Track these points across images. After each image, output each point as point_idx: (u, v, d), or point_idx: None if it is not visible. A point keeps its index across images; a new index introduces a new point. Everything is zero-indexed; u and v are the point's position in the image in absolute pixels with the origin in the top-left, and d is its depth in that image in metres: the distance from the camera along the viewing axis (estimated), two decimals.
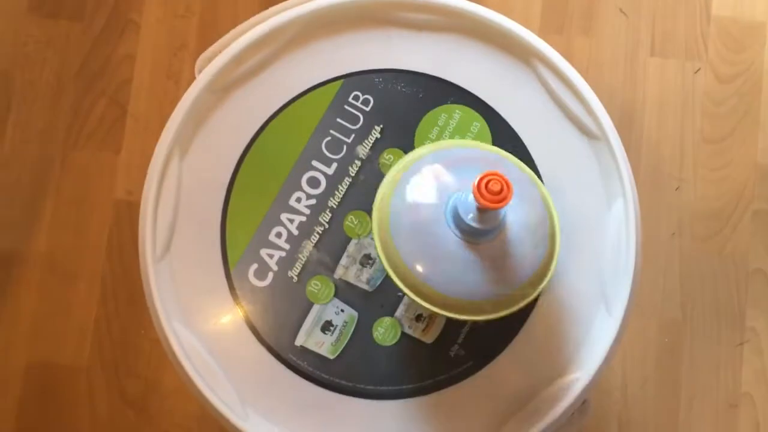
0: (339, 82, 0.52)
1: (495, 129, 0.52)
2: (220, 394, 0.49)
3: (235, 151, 0.52)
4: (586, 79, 0.53)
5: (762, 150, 0.83)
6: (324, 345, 0.50)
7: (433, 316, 0.51)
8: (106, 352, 0.79)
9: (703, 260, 0.81)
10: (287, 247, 0.51)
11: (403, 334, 0.50)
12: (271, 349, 0.50)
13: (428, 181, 0.44)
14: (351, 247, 0.51)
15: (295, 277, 0.51)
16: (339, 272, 0.51)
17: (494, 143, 0.52)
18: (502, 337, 0.51)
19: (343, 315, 0.50)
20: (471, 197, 0.42)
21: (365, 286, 0.51)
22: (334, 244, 0.51)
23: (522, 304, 0.45)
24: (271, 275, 0.51)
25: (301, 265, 0.51)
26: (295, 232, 0.51)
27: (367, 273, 0.51)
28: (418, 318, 0.51)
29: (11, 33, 0.83)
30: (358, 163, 0.52)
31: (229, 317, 0.50)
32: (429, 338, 0.51)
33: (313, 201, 0.51)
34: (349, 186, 0.51)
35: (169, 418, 0.78)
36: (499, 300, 0.44)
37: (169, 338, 0.48)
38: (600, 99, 0.52)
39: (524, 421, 0.49)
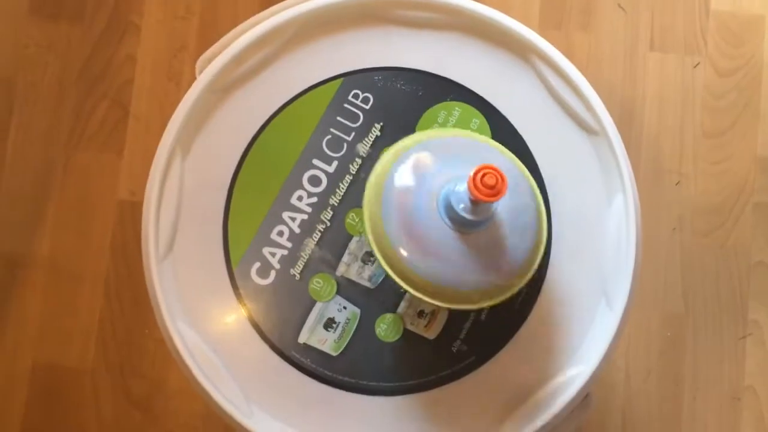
0: (339, 81, 0.53)
1: (494, 126, 0.52)
2: (225, 392, 0.49)
3: (237, 150, 0.52)
4: (585, 74, 0.53)
5: (762, 143, 0.83)
6: (327, 342, 0.50)
7: (435, 312, 0.51)
8: (111, 353, 0.80)
9: (705, 254, 0.81)
10: (289, 245, 0.51)
11: (406, 330, 0.51)
12: (274, 347, 0.50)
13: (420, 170, 0.44)
14: (352, 245, 0.51)
15: (298, 275, 0.51)
16: (341, 269, 0.51)
17: (494, 140, 0.52)
18: (504, 333, 0.51)
19: (345, 312, 0.51)
20: (463, 188, 0.42)
21: (367, 283, 0.51)
22: (336, 241, 0.51)
23: (508, 294, 0.45)
24: (273, 273, 0.51)
25: (303, 263, 0.51)
26: (297, 230, 0.51)
27: (368, 270, 0.51)
28: (420, 314, 0.51)
29: (12, 36, 0.84)
30: (359, 161, 0.52)
31: (232, 316, 0.51)
32: (431, 334, 0.51)
33: (314, 199, 0.51)
34: (350, 184, 0.52)
35: (175, 418, 0.79)
36: (487, 289, 0.44)
37: (174, 338, 0.49)
38: (600, 94, 0.52)
39: (527, 415, 0.50)
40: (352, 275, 0.51)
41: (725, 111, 0.83)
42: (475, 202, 0.42)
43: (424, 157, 0.45)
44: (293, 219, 0.51)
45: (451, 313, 0.51)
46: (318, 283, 0.51)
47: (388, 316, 0.51)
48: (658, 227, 0.81)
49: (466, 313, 0.51)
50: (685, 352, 0.80)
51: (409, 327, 0.51)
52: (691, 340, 0.80)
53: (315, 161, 0.52)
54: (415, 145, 0.45)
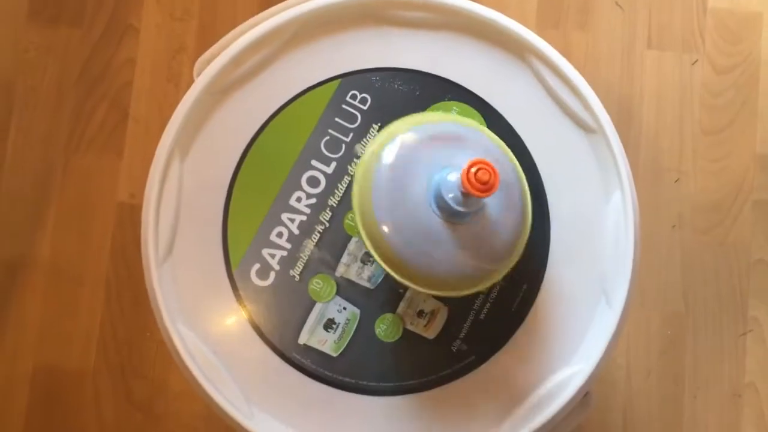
0: (336, 82, 0.53)
1: (492, 125, 0.52)
2: (226, 394, 0.49)
3: (235, 152, 0.52)
4: (583, 73, 0.53)
5: (761, 140, 0.83)
6: (327, 343, 0.50)
7: (435, 311, 0.51)
8: (112, 355, 0.80)
9: (705, 252, 0.81)
10: (288, 246, 0.51)
11: (405, 330, 0.51)
12: (274, 348, 0.50)
13: (414, 154, 0.44)
14: (352, 245, 0.51)
15: (297, 276, 0.51)
16: (340, 270, 0.51)
17: None
18: (503, 332, 0.51)
19: (345, 313, 0.51)
20: (454, 178, 0.42)
21: (367, 284, 0.51)
22: (335, 242, 0.51)
23: (488, 284, 0.46)
24: (273, 275, 0.51)
25: (302, 264, 0.51)
26: (296, 232, 0.51)
27: (368, 270, 0.51)
28: (420, 314, 0.51)
29: (12, 40, 0.84)
30: (357, 161, 0.52)
31: (232, 317, 0.51)
32: (431, 334, 0.51)
33: (313, 200, 0.52)
34: (348, 185, 0.52)
35: (176, 419, 0.79)
36: (468, 277, 0.45)
37: (174, 340, 0.49)
38: (597, 93, 0.52)
39: (527, 414, 0.50)
40: (352, 276, 0.51)
41: (723, 108, 0.83)
42: (466, 195, 0.42)
43: (419, 141, 0.45)
44: (292, 220, 0.51)
45: (451, 312, 0.51)
46: (317, 284, 0.51)
47: (388, 316, 0.51)
48: (658, 225, 0.81)
49: (466, 312, 0.51)
50: (686, 350, 0.80)
51: (409, 327, 0.51)
52: (691, 337, 0.80)
53: (313, 162, 0.52)
54: (411, 128, 0.45)
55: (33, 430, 0.79)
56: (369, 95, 0.53)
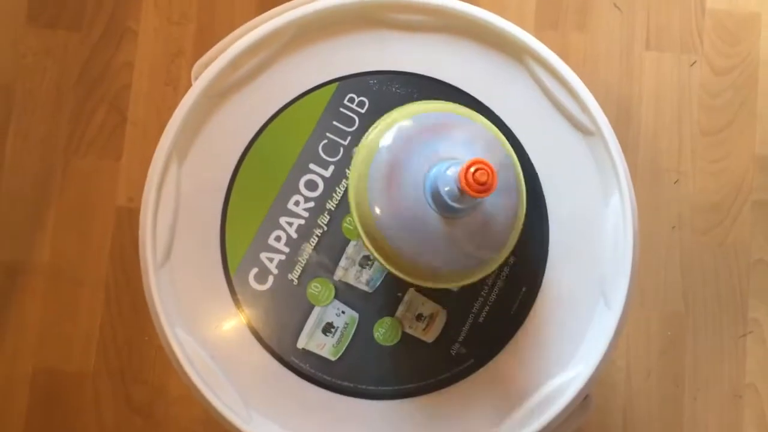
0: (334, 85, 0.53)
1: None
2: (224, 399, 0.49)
3: (233, 155, 0.52)
4: (582, 74, 0.53)
5: (760, 141, 0.83)
6: (326, 347, 0.50)
7: (433, 315, 0.51)
8: (112, 359, 0.80)
9: (704, 252, 0.81)
10: (287, 250, 0.51)
11: (404, 333, 0.51)
12: (273, 353, 0.50)
13: (414, 145, 0.44)
14: (350, 249, 0.51)
15: (296, 280, 0.51)
16: (339, 274, 0.51)
17: None
18: (502, 335, 0.51)
19: (343, 316, 0.51)
20: (452, 174, 0.41)
21: (365, 287, 0.51)
22: (333, 246, 0.51)
23: (479, 277, 0.46)
24: (271, 279, 0.51)
25: (300, 268, 0.51)
26: (294, 235, 0.51)
27: (366, 274, 0.51)
28: (419, 317, 0.51)
29: (10, 44, 0.84)
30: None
31: (230, 322, 0.51)
32: (430, 337, 0.51)
33: (311, 204, 0.51)
34: (346, 188, 0.52)
35: (176, 424, 0.79)
36: (458, 271, 0.45)
37: (172, 345, 0.49)
38: (596, 94, 0.52)
39: (526, 417, 0.50)
40: (350, 279, 0.51)
41: (722, 109, 0.83)
42: (462, 193, 0.42)
43: (417, 130, 0.44)
44: (290, 224, 0.51)
45: (450, 315, 0.51)
46: (316, 288, 0.51)
47: (387, 319, 0.51)
48: (658, 226, 0.81)
49: (465, 315, 0.51)
50: (686, 351, 0.80)
51: (408, 330, 0.51)
52: (691, 338, 0.80)
53: (311, 166, 0.52)
54: (410, 116, 0.45)
55: None
56: (367, 98, 0.53)
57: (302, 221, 0.51)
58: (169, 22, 0.84)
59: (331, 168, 0.52)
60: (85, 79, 0.83)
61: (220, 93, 0.52)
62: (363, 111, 0.52)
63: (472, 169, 0.40)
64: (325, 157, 0.52)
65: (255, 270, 0.51)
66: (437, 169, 0.43)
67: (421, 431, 0.50)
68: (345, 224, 0.51)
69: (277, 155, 0.52)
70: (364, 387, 0.50)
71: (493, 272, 0.51)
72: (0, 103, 0.83)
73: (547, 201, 0.52)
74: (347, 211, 0.51)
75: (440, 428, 0.50)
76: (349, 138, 0.52)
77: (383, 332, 0.51)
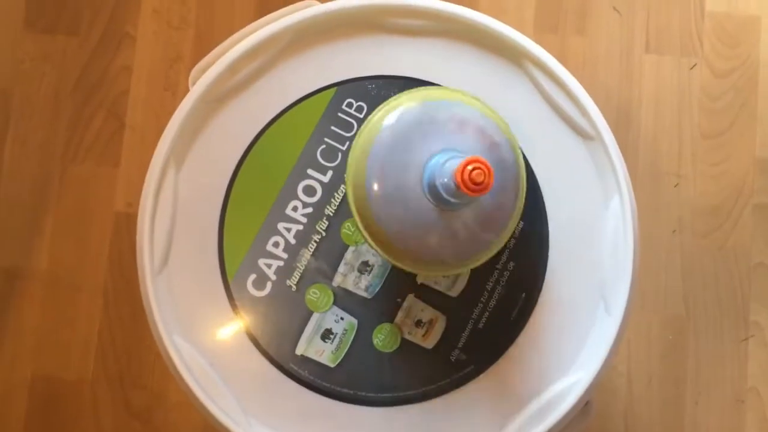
0: (332, 90, 0.52)
1: None
2: (223, 406, 0.49)
3: (231, 161, 0.52)
4: (581, 77, 0.53)
5: (760, 144, 0.83)
6: (324, 353, 0.50)
7: (432, 320, 0.51)
8: (111, 365, 0.79)
9: (705, 256, 0.81)
10: (285, 256, 0.51)
11: (404, 340, 0.50)
12: (271, 359, 0.50)
13: (417, 134, 0.44)
14: (348, 255, 0.51)
15: (294, 286, 0.51)
16: (337, 280, 0.51)
17: None
18: (502, 340, 0.51)
19: (342, 323, 0.50)
20: (450, 168, 0.41)
21: (364, 293, 0.51)
22: (332, 251, 0.51)
23: (474, 265, 0.46)
24: (269, 285, 0.51)
25: (299, 274, 0.51)
26: (293, 241, 0.51)
27: (365, 280, 0.51)
28: (418, 323, 0.51)
29: (8, 50, 0.84)
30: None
31: (229, 328, 0.50)
32: (429, 343, 0.50)
33: (309, 209, 0.51)
34: (345, 193, 0.51)
35: (175, 430, 0.78)
36: (454, 261, 0.45)
37: (170, 352, 0.48)
38: (596, 98, 0.52)
39: (526, 424, 0.49)
40: (349, 285, 0.51)
41: (722, 112, 0.83)
42: (458, 189, 0.41)
43: (423, 119, 0.44)
44: (288, 230, 0.51)
45: (449, 321, 0.51)
46: (314, 294, 0.51)
47: (386, 325, 0.50)
48: (658, 229, 0.81)
49: (464, 321, 0.51)
50: (687, 355, 0.80)
51: (407, 336, 0.51)
52: (692, 342, 0.80)
53: (310, 171, 0.52)
54: (420, 103, 0.45)
55: None
56: (365, 103, 0.52)
57: (300, 227, 0.51)
58: (168, 27, 0.84)
59: (330, 173, 0.52)
60: (83, 84, 0.83)
61: (217, 98, 0.52)
62: (361, 116, 0.52)
63: (469, 167, 0.39)
64: (323, 162, 0.52)
65: (253, 276, 0.51)
66: (436, 160, 0.42)
67: None
68: (344, 230, 0.51)
69: (275, 160, 0.52)
70: (363, 394, 0.50)
71: (492, 277, 0.51)
72: None
73: (546, 205, 0.52)
74: (346, 217, 0.51)
75: None
76: (347, 143, 0.52)
77: (382, 338, 0.50)
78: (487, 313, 0.51)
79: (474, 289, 0.51)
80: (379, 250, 0.45)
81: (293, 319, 0.50)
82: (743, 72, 0.83)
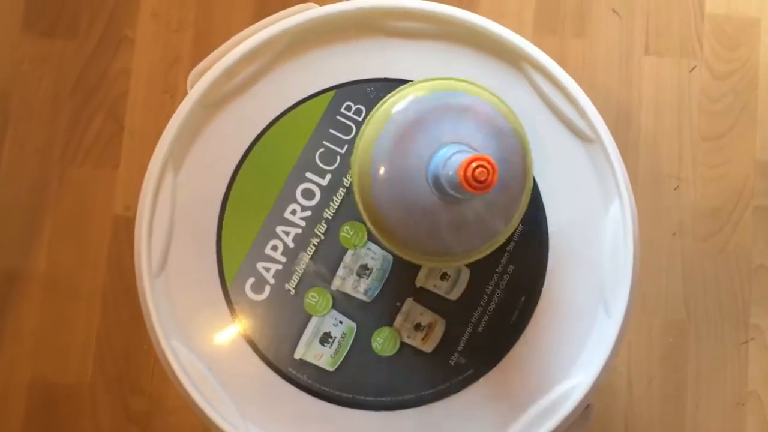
0: (331, 93, 0.52)
1: None
2: (221, 410, 0.49)
3: (229, 164, 0.52)
4: (581, 80, 0.52)
5: (761, 146, 0.83)
6: (323, 357, 0.50)
7: (432, 324, 0.50)
8: (109, 368, 0.79)
9: (706, 259, 0.81)
10: (283, 259, 0.51)
11: (403, 343, 0.50)
12: (270, 363, 0.50)
13: (423, 125, 0.43)
14: (347, 258, 0.51)
15: (293, 290, 0.50)
16: (336, 283, 0.50)
17: None
18: (502, 344, 0.50)
19: (341, 326, 0.50)
20: (453, 161, 0.41)
21: (363, 297, 0.50)
22: (331, 255, 0.51)
23: (480, 256, 0.46)
24: (268, 289, 0.50)
25: (298, 278, 0.50)
26: (291, 245, 0.51)
27: (364, 284, 0.50)
28: (417, 327, 0.50)
29: (6, 53, 0.84)
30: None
31: (227, 332, 0.50)
32: (428, 347, 0.50)
33: (308, 213, 0.51)
34: (343, 197, 0.51)
35: None
36: (458, 253, 0.45)
37: (168, 356, 0.48)
38: (596, 100, 0.52)
39: (527, 427, 0.49)
40: (348, 289, 0.50)
41: (722, 114, 0.83)
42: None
43: (433, 108, 0.44)
44: (287, 233, 0.51)
45: (449, 325, 0.50)
46: (313, 298, 0.50)
47: (385, 329, 0.50)
48: (658, 232, 0.81)
49: (464, 325, 0.50)
50: (688, 358, 0.79)
51: (406, 340, 0.50)
52: (693, 345, 0.80)
53: (308, 174, 0.51)
54: (430, 92, 0.44)
55: None
56: (364, 106, 0.52)
57: (299, 230, 0.51)
58: (167, 29, 0.84)
59: (328, 177, 0.51)
60: (82, 86, 0.83)
61: (216, 101, 0.52)
62: (360, 119, 0.52)
63: (473, 165, 0.39)
64: (322, 165, 0.52)
65: (251, 280, 0.50)
66: (443, 153, 0.42)
67: None
68: (342, 233, 0.51)
69: (274, 164, 0.52)
70: (362, 398, 0.50)
71: (492, 280, 0.51)
72: None
73: (546, 208, 0.52)
74: (345, 220, 0.51)
75: None
76: (346, 146, 0.52)
77: (381, 342, 0.50)
78: (487, 317, 0.51)
79: (473, 292, 0.51)
80: (382, 239, 0.44)
81: (292, 323, 0.50)
82: (743, 74, 0.83)
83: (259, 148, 0.52)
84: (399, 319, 0.50)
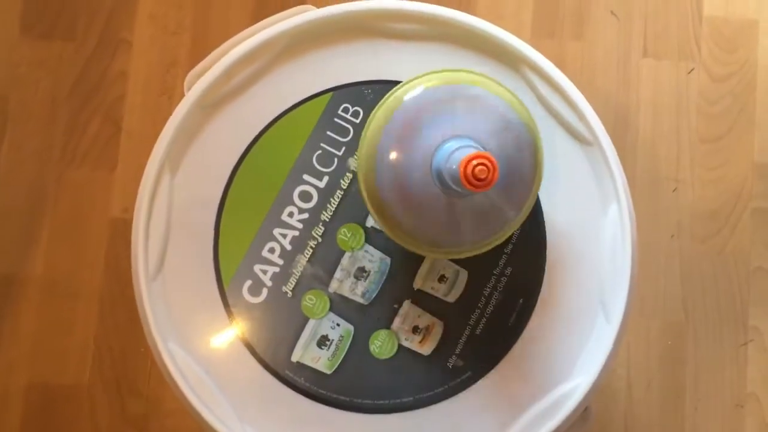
0: (328, 95, 0.52)
1: None
2: (218, 413, 0.48)
3: (226, 166, 0.52)
4: (579, 82, 0.52)
5: (759, 148, 0.83)
6: (320, 360, 0.50)
7: (430, 327, 0.50)
8: (107, 371, 0.79)
9: (704, 261, 0.81)
10: (281, 262, 0.50)
11: (400, 346, 0.50)
12: (267, 366, 0.50)
13: (422, 122, 0.43)
14: (345, 261, 0.50)
15: (290, 293, 0.50)
16: (333, 286, 0.50)
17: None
18: (500, 346, 0.50)
19: (338, 329, 0.50)
20: (456, 156, 0.41)
21: (360, 300, 0.50)
22: (328, 257, 0.50)
23: (488, 248, 0.46)
24: (265, 291, 0.50)
25: (295, 280, 0.50)
26: (289, 247, 0.51)
27: (361, 286, 0.50)
28: (415, 330, 0.50)
29: (4, 55, 0.84)
30: (350, 175, 0.51)
31: (224, 335, 0.50)
32: (426, 350, 0.50)
33: (305, 215, 0.51)
34: (341, 199, 0.51)
35: None
36: (464, 245, 0.45)
37: (165, 359, 0.48)
38: (594, 102, 0.52)
39: (525, 429, 0.49)
40: (345, 291, 0.50)
41: (720, 116, 0.83)
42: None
43: (442, 101, 0.44)
44: (284, 236, 0.51)
45: (446, 327, 0.50)
46: (310, 300, 0.50)
47: (382, 332, 0.50)
48: (657, 234, 0.81)
49: (462, 327, 0.50)
50: (686, 360, 0.79)
51: (404, 343, 0.50)
52: (691, 347, 0.80)
53: (306, 176, 0.51)
54: (443, 83, 0.44)
55: None
56: (361, 108, 0.52)
57: (296, 233, 0.51)
58: (164, 32, 0.84)
59: (326, 179, 0.51)
60: (79, 89, 0.83)
61: (213, 103, 0.52)
62: (357, 121, 0.52)
63: (474, 162, 0.39)
64: (319, 167, 0.51)
65: (249, 282, 0.50)
66: (448, 146, 0.42)
67: None
68: (340, 236, 0.51)
69: (271, 166, 0.51)
70: (359, 401, 0.49)
71: (490, 283, 0.51)
72: None
73: (544, 211, 0.52)
74: (342, 222, 0.51)
75: None
76: (343, 148, 0.52)
77: (379, 345, 0.50)
78: (485, 319, 0.50)
79: (471, 294, 0.50)
80: (385, 228, 0.44)
81: (289, 325, 0.50)
82: (741, 76, 0.83)
83: (256, 150, 0.52)
84: (397, 321, 0.50)
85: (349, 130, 0.52)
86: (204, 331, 0.50)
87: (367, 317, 0.50)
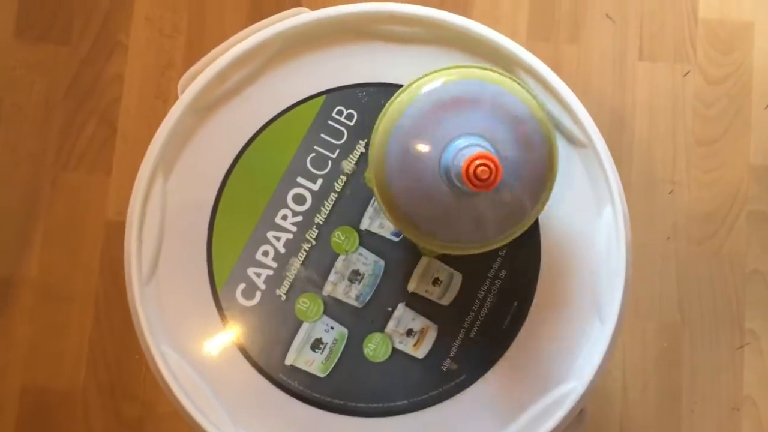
0: (322, 98, 0.52)
1: None
2: (211, 417, 0.48)
3: (220, 169, 0.51)
4: (575, 86, 0.52)
5: (754, 151, 0.83)
6: (314, 363, 0.50)
7: (424, 330, 0.50)
8: (102, 374, 0.79)
9: (700, 263, 0.81)
10: (274, 265, 0.50)
11: (394, 349, 0.50)
12: (261, 370, 0.49)
13: (433, 121, 0.43)
14: (339, 264, 0.50)
15: (284, 296, 0.50)
16: (327, 289, 0.50)
17: None
18: (494, 350, 0.50)
19: (332, 332, 0.50)
20: (462, 154, 0.40)
21: (354, 303, 0.50)
22: (322, 260, 0.50)
23: (467, 252, 0.46)
24: (259, 294, 0.50)
25: (289, 283, 0.50)
26: (282, 250, 0.51)
27: (355, 289, 0.50)
28: (409, 333, 0.50)
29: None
30: (344, 178, 0.51)
31: (217, 338, 0.50)
32: (420, 353, 0.50)
33: (299, 218, 0.51)
34: (335, 202, 0.51)
35: None
36: (458, 242, 0.45)
37: (158, 362, 0.48)
38: (589, 105, 0.52)
39: None
40: (339, 295, 0.50)
41: (716, 119, 0.83)
42: None
43: (457, 97, 0.43)
44: (278, 238, 0.51)
45: (441, 331, 0.50)
46: (304, 303, 0.50)
47: (377, 335, 0.50)
48: (653, 236, 0.81)
49: (456, 330, 0.50)
50: (682, 363, 0.79)
51: (398, 346, 0.50)
52: (687, 350, 0.79)
53: (299, 179, 0.51)
54: (458, 80, 0.44)
55: None
56: (355, 111, 0.52)
57: (290, 236, 0.51)
58: (160, 34, 0.84)
59: (320, 181, 0.51)
60: (74, 92, 0.83)
61: (207, 106, 0.52)
62: (351, 124, 0.52)
63: (476, 163, 0.39)
64: (313, 170, 0.51)
65: (242, 285, 0.50)
66: (457, 144, 0.42)
67: None
68: (333, 238, 0.51)
69: (265, 169, 0.51)
70: (353, 404, 0.49)
71: (484, 285, 0.51)
72: None
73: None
74: (336, 225, 0.51)
75: None
76: (337, 151, 0.52)
77: (373, 348, 0.50)
78: (479, 322, 0.50)
79: (465, 297, 0.50)
80: (391, 220, 0.44)
81: (283, 328, 0.50)
82: (737, 79, 0.83)
83: (250, 153, 0.51)
84: (391, 324, 0.50)
85: (343, 133, 0.52)
86: (197, 334, 0.50)
87: (361, 320, 0.50)
